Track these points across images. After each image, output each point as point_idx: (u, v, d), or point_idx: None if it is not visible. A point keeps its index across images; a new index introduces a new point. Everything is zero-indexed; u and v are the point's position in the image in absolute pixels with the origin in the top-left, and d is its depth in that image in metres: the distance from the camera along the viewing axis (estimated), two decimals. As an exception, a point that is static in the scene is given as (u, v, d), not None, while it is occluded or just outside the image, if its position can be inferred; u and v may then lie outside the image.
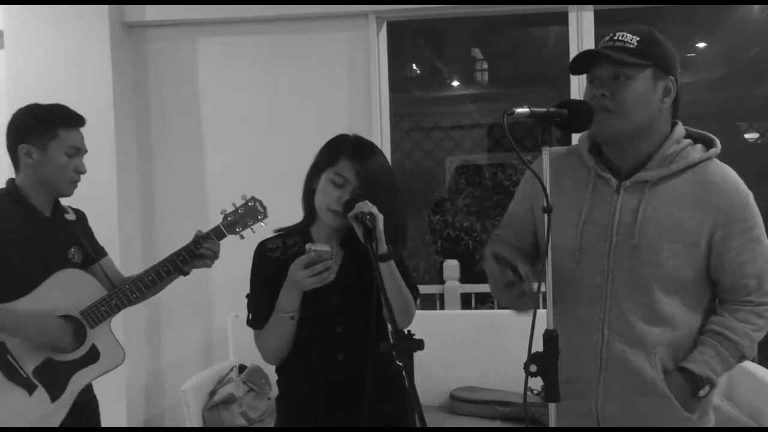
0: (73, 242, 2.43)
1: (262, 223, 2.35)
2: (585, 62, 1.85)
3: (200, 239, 2.36)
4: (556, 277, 1.89)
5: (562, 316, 1.91)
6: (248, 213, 2.35)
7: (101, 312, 2.34)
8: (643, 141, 1.85)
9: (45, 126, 2.34)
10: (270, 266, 1.97)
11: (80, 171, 2.39)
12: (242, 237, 2.36)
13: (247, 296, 2.03)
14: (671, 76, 1.83)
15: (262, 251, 2.02)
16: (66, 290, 2.33)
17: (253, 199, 2.36)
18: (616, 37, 1.82)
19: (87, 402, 2.43)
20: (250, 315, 2.00)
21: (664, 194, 1.83)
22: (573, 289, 1.89)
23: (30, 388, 2.27)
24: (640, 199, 1.83)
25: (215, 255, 2.38)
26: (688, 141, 1.88)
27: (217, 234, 2.37)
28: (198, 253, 2.35)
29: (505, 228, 2.06)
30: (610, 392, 1.86)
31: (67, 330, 2.31)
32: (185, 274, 2.42)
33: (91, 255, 2.46)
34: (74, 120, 2.40)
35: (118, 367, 2.41)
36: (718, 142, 1.90)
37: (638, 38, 1.80)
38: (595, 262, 1.86)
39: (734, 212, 1.82)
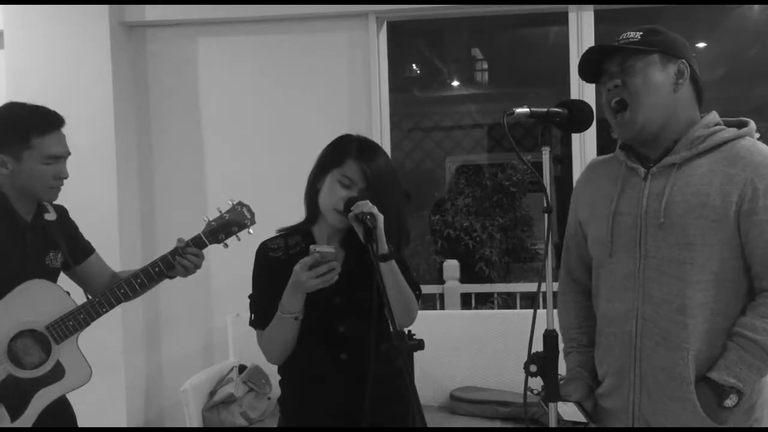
0: (51, 246, 2.33)
1: (249, 231, 2.20)
2: (593, 65, 1.88)
3: (179, 249, 2.23)
4: (595, 272, 1.95)
5: (599, 310, 1.94)
6: (234, 219, 2.19)
7: (68, 327, 2.23)
8: (667, 128, 1.83)
9: (18, 135, 2.21)
10: (272, 266, 1.96)
11: (60, 177, 2.27)
12: (226, 245, 2.22)
13: (250, 297, 2.02)
14: (682, 59, 1.83)
15: (263, 251, 2.01)
16: (32, 302, 2.23)
17: (240, 204, 2.20)
18: (620, 37, 1.85)
19: (55, 411, 2.30)
20: (253, 315, 2.00)
21: (690, 173, 1.80)
22: (608, 281, 1.90)
23: None
24: (666, 182, 1.81)
25: (196, 266, 2.25)
26: (720, 127, 1.85)
27: (198, 243, 2.22)
28: (175, 263, 2.22)
29: (567, 251, 2.09)
30: (645, 387, 1.82)
31: (30, 346, 2.22)
32: (171, 277, 2.30)
33: (70, 258, 2.36)
34: (50, 124, 2.26)
35: (83, 385, 2.28)
36: (752, 123, 1.87)
37: (641, 33, 1.84)
38: (627, 251, 1.85)
39: (762, 183, 1.73)
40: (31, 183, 2.24)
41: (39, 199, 2.30)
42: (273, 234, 2.06)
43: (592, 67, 1.89)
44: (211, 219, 2.23)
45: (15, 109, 2.30)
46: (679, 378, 1.77)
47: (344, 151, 1.95)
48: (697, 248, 1.75)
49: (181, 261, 2.22)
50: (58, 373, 2.24)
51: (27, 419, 2.22)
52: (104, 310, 2.25)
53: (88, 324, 2.25)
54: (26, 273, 2.24)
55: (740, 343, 1.73)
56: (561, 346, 1.95)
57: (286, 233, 2.04)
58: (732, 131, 1.83)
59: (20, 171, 2.22)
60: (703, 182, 1.78)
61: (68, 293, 2.31)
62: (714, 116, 1.87)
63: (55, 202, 2.40)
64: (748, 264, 1.78)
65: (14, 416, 2.20)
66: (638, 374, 1.83)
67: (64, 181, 2.31)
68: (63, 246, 2.35)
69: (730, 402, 1.72)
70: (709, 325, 1.77)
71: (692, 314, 1.76)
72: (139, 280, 2.25)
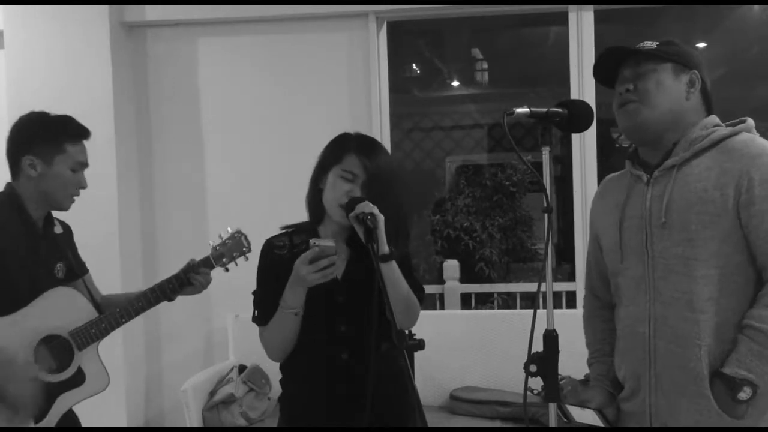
0: (59, 257, 2.39)
1: (246, 257, 2.36)
2: (608, 69, 1.93)
3: (191, 269, 2.36)
4: (612, 281, 2.01)
5: (619, 316, 1.98)
6: (234, 246, 2.36)
7: (91, 334, 2.31)
8: (671, 132, 1.87)
9: (52, 139, 2.29)
10: (277, 264, 1.96)
11: (82, 186, 2.36)
12: (227, 270, 2.37)
13: (254, 293, 2.03)
14: (695, 71, 1.87)
15: (269, 249, 2.02)
16: (57, 309, 2.29)
17: (239, 232, 2.37)
18: (637, 46, 1.90)
19: (64, 419, 2.35)
20: (256, 312, 2.01)
21: (688, 173, 1.83)
22: (622, 287, 1.94)
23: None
24: (667, 183, 1.84)
25: (205, 285, 2.40)
26: (719, 127, 1.87)
27: (207, 264, 2.37)
28: (188, 281, 2.36)
29: (588, 269, 2.14)
30: (661, 387, 1.83)
31: (53, 353, 2.28)
32: (171, 300, 2.41)
33: (75, 271, 2.43)
34: (81, 133, 2.36)
35: (101, 392, 2.36)
36: (750, 120, 1.89)
37: (657, 43, 1.89)
38: (636, 255, 1.88)
39: (757, 173, 1.74)
40: (55, 188, 2.30)
41: (56, 207, 2.36)
42: (274, 233, 2.06)
43: (608, 70, 1.93)
44: (215, 244, 2.37)
45: (47, 116, 2.36)
46: (693, 374, 1.78)
47: (343, 147, 1.96)
48: (699, 243, 1.77)
49: (197, 278, 2.36)
50: (79, 378, 2.31)
51: (48, 422, 2.27)
52: (124, 320, 2.35)
53: (108, 333, 2.34)
54: (35, 281, 2.28)
55: (750, 335, 1.73)
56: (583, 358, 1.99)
57: (292, 231, 2.04)
58: (729, 129, 1.86)
59: (48, 175, 2.29)
60: (701, 178, 1.80)
61: (90, 302, 2.37)
62: (713, 118, 1.90)
63: (60, 219, 2.47)
64: (752, 256, 1.78)
65: (37, 419, 2.25)
66: (653, 375, 1.84)
67: None
68: (70, 257, 2.41)
69: (744, 395, 1.72)
70: (719, 319, 1.77)
71: (701, 309, 1.77)
72: (155, 294, 2.36)
